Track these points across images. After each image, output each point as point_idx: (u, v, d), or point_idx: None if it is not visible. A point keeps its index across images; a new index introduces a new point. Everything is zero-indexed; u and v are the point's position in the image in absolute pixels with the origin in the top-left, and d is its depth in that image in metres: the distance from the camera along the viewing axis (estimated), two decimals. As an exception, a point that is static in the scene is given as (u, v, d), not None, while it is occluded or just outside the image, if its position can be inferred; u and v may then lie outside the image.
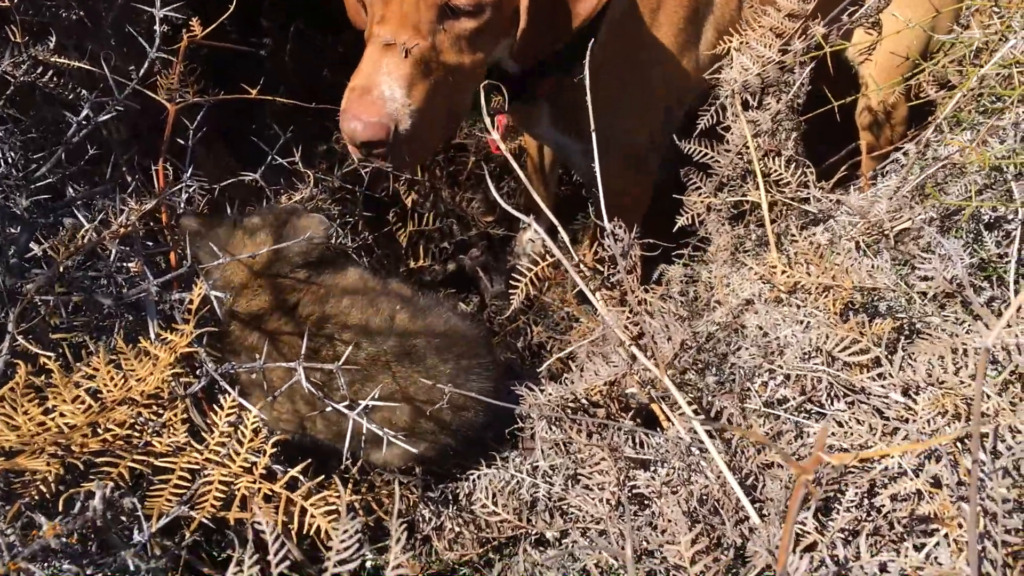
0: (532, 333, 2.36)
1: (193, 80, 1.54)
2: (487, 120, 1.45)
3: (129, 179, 1.75)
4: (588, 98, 1.48)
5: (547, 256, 1.47)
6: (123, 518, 0.98)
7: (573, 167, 2.17)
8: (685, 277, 1.96)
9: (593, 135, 1.50)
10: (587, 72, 1.51)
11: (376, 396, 1.19)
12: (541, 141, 2.12)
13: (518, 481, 1.32)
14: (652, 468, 1.33)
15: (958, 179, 1.71)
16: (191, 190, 1.45)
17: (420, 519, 1.35)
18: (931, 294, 1.51)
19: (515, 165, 1.36)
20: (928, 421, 1.18)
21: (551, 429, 1.37)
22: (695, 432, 1.25)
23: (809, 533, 1.03)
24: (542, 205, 1.48)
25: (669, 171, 2.00)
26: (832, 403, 1.33)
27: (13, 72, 1.57)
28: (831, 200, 1.71)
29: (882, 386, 1.25)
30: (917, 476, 1.07)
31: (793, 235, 1.81)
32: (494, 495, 1.30)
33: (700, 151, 1.86)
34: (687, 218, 1.92)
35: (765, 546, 1.03)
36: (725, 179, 1.88)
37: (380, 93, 1.38)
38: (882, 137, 2.50)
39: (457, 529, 1.32)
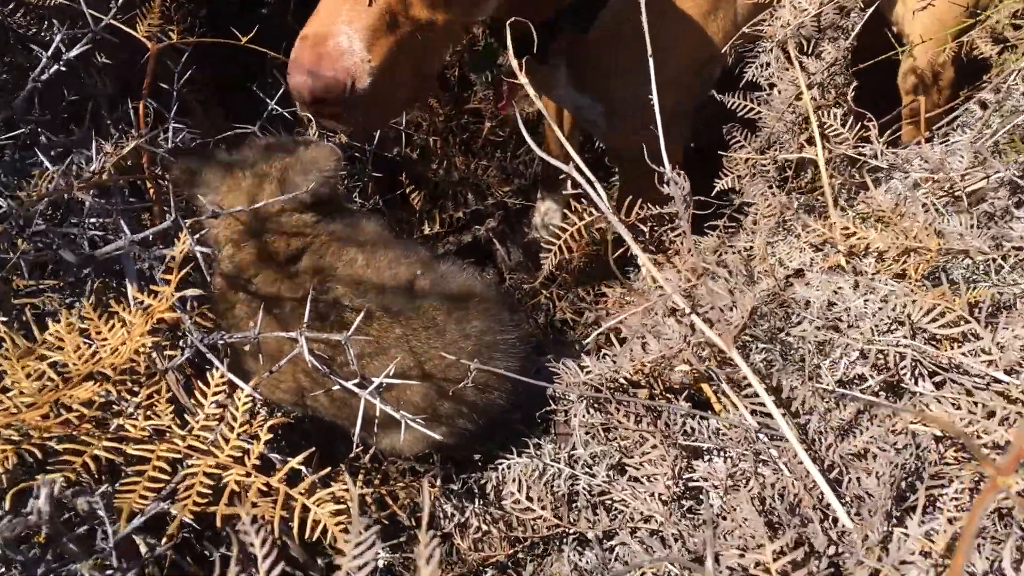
0: (555, 309, 2.18)
1: (178, 19, 1.36)
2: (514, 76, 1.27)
3: (114, 132, 1.57)
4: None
5: (586, 214, 1.29)
6: (83, 519, 0.80)
7: (594, 131, 2.00)
8: (723, 249, 1.78)
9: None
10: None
11: (391, 373, 1.01)
12: (560, 103, 1.94)
13: (555, 472, 1.14)
14: (707, 457, 1.15)
15: (1042, 133, 1.53)
16: (178, 139, 1.26)
17: (441, 515, 1.17)
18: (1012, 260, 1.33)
19: (524, 131, 1.17)
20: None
21: (589, 412, 1.19)
22: (761, 416, 1.08)
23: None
24: (572, 154, 1.28)
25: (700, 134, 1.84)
26: (917, 382, 1.15)
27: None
28: (898, 156, 1.52)
29: (982, 363, 1.07)
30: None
31: (850, 197, 1.63)
32: (527, 488, 1.11)
33: (745, 105, 1.68)
34: (727, 181, 1.74)
35: (861, 555, 0.86)
36: (772, 136, 1.70)
37: (336, 44, 1.18)
38: (928, 103, 2.32)
39: (484, 527, 1.14)
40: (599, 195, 1.15)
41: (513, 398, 1.26)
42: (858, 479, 0.97)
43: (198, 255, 0.98)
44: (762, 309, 1.34)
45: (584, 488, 1.13)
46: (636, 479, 1.10)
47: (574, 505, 1.12)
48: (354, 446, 1.13)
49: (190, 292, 0.98)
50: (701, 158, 1.84)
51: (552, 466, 1.15)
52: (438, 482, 1.23)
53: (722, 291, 1.05)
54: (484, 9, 1.40)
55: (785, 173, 1.77)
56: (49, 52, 1.23)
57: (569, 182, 1.22)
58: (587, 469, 1.15)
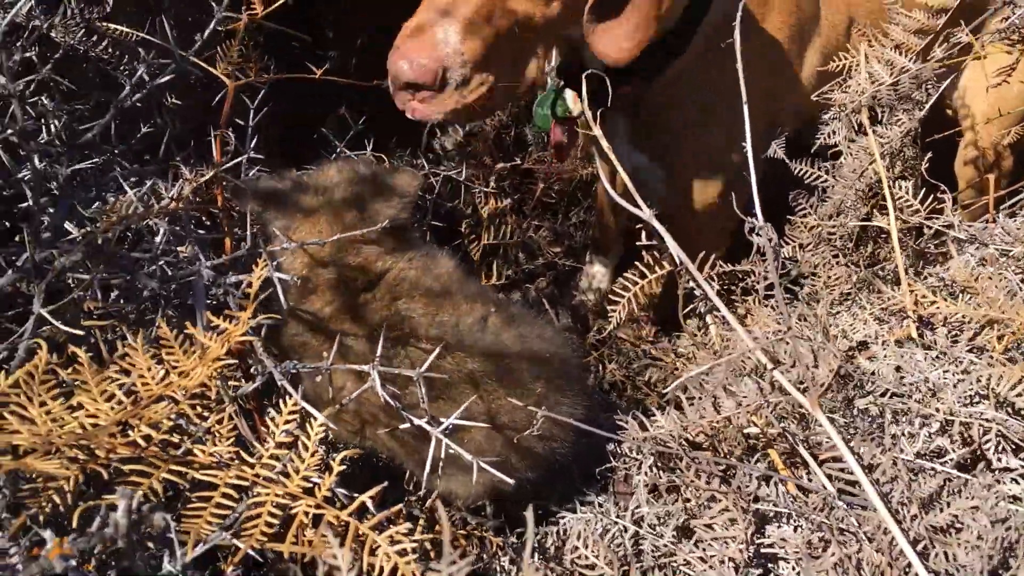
0: (604, 370, 2.15)
1: (255, 57, 1.37)
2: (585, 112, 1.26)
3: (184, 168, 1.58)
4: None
5: (656, 268, 1.27)
6: (150, 543, 0.77)
7: (649, 195, 1.97)
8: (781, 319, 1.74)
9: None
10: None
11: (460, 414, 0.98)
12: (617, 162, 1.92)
13: (619, 530, 1.10)
14: (777, 524, 1.11)
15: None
16: (251, 173, 1.27)
17: (498, 569, 1.13)
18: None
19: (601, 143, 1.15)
20: None
21: (652, 470, 1.15)
22: (839, 483, 1.03)
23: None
24: (643, 206, 1.26)
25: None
26: (1001, 459, 1.11)
27: (63, 38, 1.41)
28: (975, 227, 1.49)
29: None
30: None
31: (917, 272, 1.60)
32: (589, 545, 1.07)
33: (813, 172, 1.66)
34: (789, 248, 1.71)
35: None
36: (840, 204, 1.68)
37: (433, 34, 1.24)
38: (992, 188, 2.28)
39: (544, 583, 1.10)
40: (675, 246, 1.13)
41: (575, 451, 1.22)
42: (945, 554, 0.93)
43: (276, 281, 0.97)
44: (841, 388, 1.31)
45: (649, 549, 1.09)
46: (704, 541, 1.06)
47: (638, 565, 1.08)
48: (421, 487, 1.10)
49: (264, 319, 0.96)
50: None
51: (616, 523, 1.11)
52: (493, 533, 1.19)
53: (804, 350, 1.02)
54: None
55: (848, 243, 1.74)
56: (134, 79, 1.24)
57: (643, 234, 1.21)
58: (652, 529, 1.11)
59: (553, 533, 1.14)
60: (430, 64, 1.23)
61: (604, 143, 1.31)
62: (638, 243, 1.19)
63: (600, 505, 1.19)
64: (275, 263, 1.04)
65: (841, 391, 1.25)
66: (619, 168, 1.30)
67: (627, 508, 1.15)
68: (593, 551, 1.07)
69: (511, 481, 1.01)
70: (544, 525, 1.20)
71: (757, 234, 1.07)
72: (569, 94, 1.54)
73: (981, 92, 2.10)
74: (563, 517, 1.15)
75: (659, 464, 1.14)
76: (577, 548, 1.06)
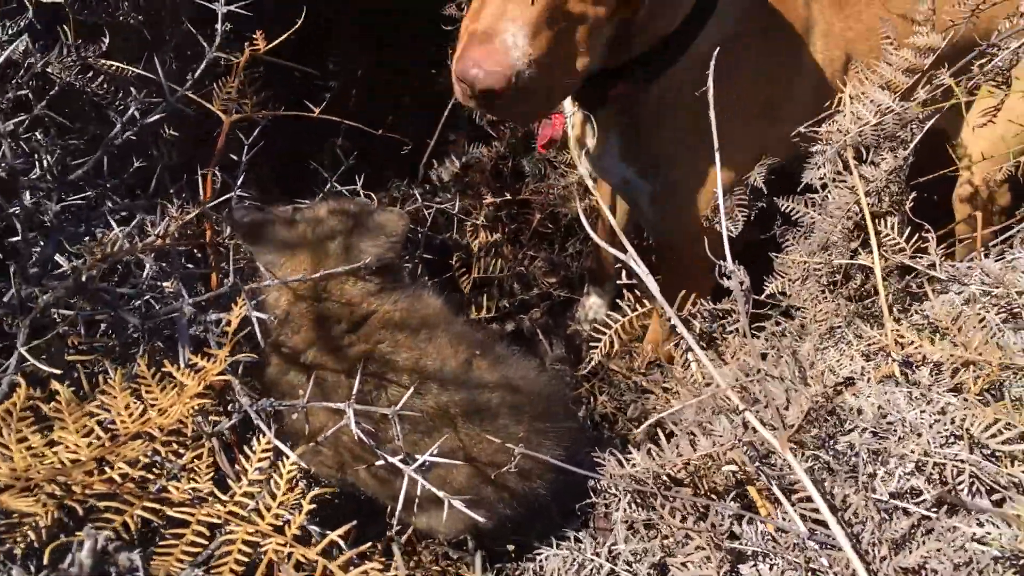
0: (595, 402, 2.16)
1: (253, 92, 1.39)
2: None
3: (175, 202, 1.60)
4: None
5: (638, 305, 1.28)
6: (120, 579, 0.78)
7: (641, 218, 1.98)
8: (773, 353, 1.75)
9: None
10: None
11: (436, 452, 0.99)
12: (607, 178, 1.92)
13: (594, 566, 1.11)
14: (752, 563, 1.12)
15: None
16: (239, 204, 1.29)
17: (475, 604, 1.14)
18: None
19: (583, 218, 1.17)
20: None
21: (631, 507, 1.16)
22: (812, 523, 1.04)
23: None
24: (625, 243, 1.27)
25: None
26: (975, 498, 1.11)
27: (60, 74, 1.44)
28: (956, 268, 1.50)
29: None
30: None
31: (904, 308, 1.61)
32: (565, 580, 1.08)
33: (800, 210, 1.67)
34: (778, 284, 1.72)
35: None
36: (826, 241, 1.69)
37: (503, 40, 1.26)
38: (983, 224, 2.29)
39: (520, 619, 1.11)
40: (654, 285, 1.14)
41: (554, 488, 1.23)
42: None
43: (254, 320, 0.99)
44: (813, 415, 1.31)
45: (624, 586, 1.10)
46: (678, 580, 1.06)
47: (613, 603, 1.09)
48: (393, 524, 1.11)
49: (243, 357, 0.98)
50: (751, 258, 1.82)
51: (592, 560, 1.11)
52: (474, 570, 1.20)
53: (777, 390, 1.03)
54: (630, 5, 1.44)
55: (835, 278, 1.75)
56: (124, 118, 1.26)
57: (624, 272, 1.22)
58: (628, 566, 1.12)
59: (530, 570, 1.15)
60: (503, 71, 1.25)
61: (575, 152, 1.33)
62: (619, 282, 1.21)
63: (578, 541, 1.19)
64: (255, 301, 1.05)
65: (823, 428, 1.26)
66: (586, 176, 1.31)
67: (605, 544, 1.15)
68: (567, 586, 1.07)
69: (483, 520, 1.02)
70: (523, 561, 1.21)
71: (728, 276, 1.08)
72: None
73: (979, 130, 2.11)
74: (540, 553, 1.15)
75: (637, 501, 1.15)
76: (553, 584, 1.07)
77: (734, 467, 1.18)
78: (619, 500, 1.15)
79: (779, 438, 0.98)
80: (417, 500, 1.07)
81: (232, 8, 1.22)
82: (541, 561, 1.15)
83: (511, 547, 1.33)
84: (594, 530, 1.28)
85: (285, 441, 1.03)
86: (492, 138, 2.66)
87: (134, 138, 1.54)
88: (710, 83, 1.23)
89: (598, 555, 1.12)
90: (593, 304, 2.57)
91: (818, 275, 1.73)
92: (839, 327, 1.67)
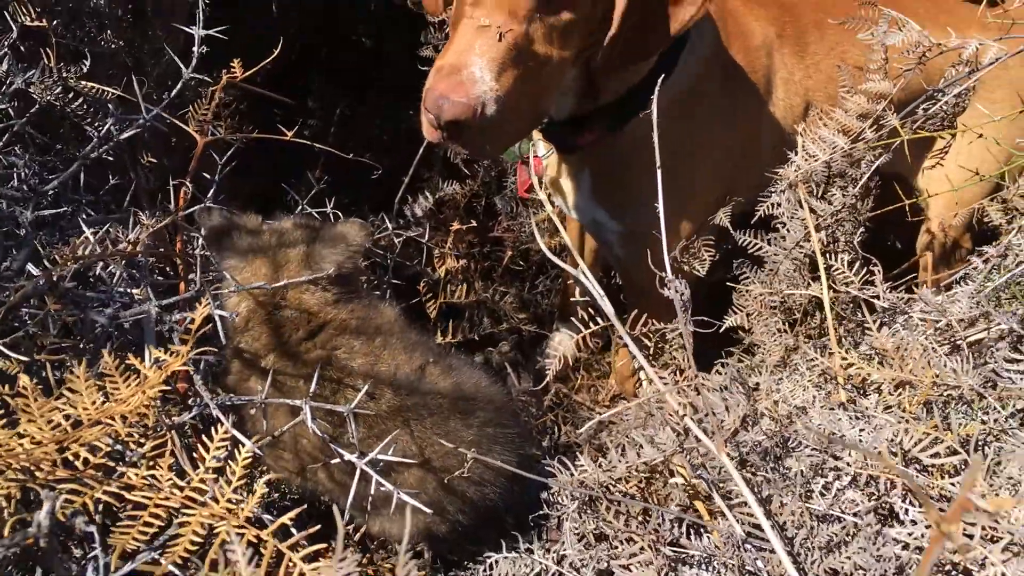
0: (560, 432, 2.20)
1: (228, 115, 1.45)
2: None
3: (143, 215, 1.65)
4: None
5: (591, 323, 1.33)
6: (75, 551, 0.82)
7: (611, 257, 2.03)
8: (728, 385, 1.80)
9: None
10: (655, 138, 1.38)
11: (391, 452, 1.03)
12: (579, 217, 1.98)
13: (541, 569, 1.14)
14: (695, 567, 1.16)
15: (1042, 287, 1.57)
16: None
17: (425, 605, 1.17)
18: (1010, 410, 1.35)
19: (547, 203, 1.22)
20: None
21: (581, 517, 1.20)
22: (752, 527, 1.09)
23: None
24: (579, 259, 1.33)
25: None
26: (907, 512, 1.16)
27: (41, 94, 1.49)
28: (901, 298, 1.57)
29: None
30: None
31: (855, 337, 1.67)
32: (514, 583, 1.12)
33: (755, 243, 1.74)
34: (737, 318, 1.78)
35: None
36: (780, 274, 1.75)
37: (470, 74, 1.32)
38: (943, 269, 2.37)
39: (467, 621, 1.14)
40: (604, 300, 1.20)
41: (508, 497, 1.27)
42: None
43: (217, 319, 1.03)
44: (765, 443, 1.36)
45: (570, 589, 1.13)
46: (622, 582, 1.10)
47: (559, 604, 1.12)
48: (343, 518, 1.14)
49: (204, 352, 1.02)
50: (718, 297, 1.87)
51: (540, 563, 1.15)
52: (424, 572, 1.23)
53: (715, 399, 1.08)
54: (582, 55, 1.50)
55: (794, 316, 1.81)
56: (101, 132, 1.31)
57: (578, 291, 1.27)
58: (575, 570, 1.16)
59: (480, 572, 1.19)
60: (468, 102, 1.30)
61: (542, 193, 1.38)
62: (572, 299, 1.26)
63: (529, 550, 1.23)
64: (219, 302, 1.10)
65: (771, 451, 1.31)
66: (553, 216, 1.37)
67: (553, 551, 1.19)
68: (515, 589, 1.11)
69: (427, 511, 1.06)
70: (474, 564, 1.24)
71: (666, 286, 1.14)
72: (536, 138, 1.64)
73: (935, 177, 2.19)
74: (490, 557, 1.19)
75: (586, 510, 1.19)
76: (501, 585, 1.10)
77: (682, 480, 1.23)
78: (568, 508, 1.20)
79: (715, 441, 1.03)
80: (370, 501, 1.10)
81: (210, 32, 1.28)
82: (491, 565, 1.19)
83: (468, 557, 1.36)
84: (547, 542, 1.31)
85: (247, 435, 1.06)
86: (466, 176, 2.73)
87: (111, 158, 1.60)
88: (655, 135, 1.28)
89: (545, 559, 1.16)
90: (562, 340, 2.61)
91: (773, 308, 1.79)
92: (795, 361, 1.73)
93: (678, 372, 1.44)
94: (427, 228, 2.30)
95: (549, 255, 1.22)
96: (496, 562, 1.18)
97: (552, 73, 1.45)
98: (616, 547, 1.16)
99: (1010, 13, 1.96)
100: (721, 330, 1.70)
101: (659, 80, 1.43)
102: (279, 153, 2.10)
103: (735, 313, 1.76)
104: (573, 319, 2.54)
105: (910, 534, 1.02)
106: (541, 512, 1.27)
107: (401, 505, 1.06)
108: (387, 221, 2.36)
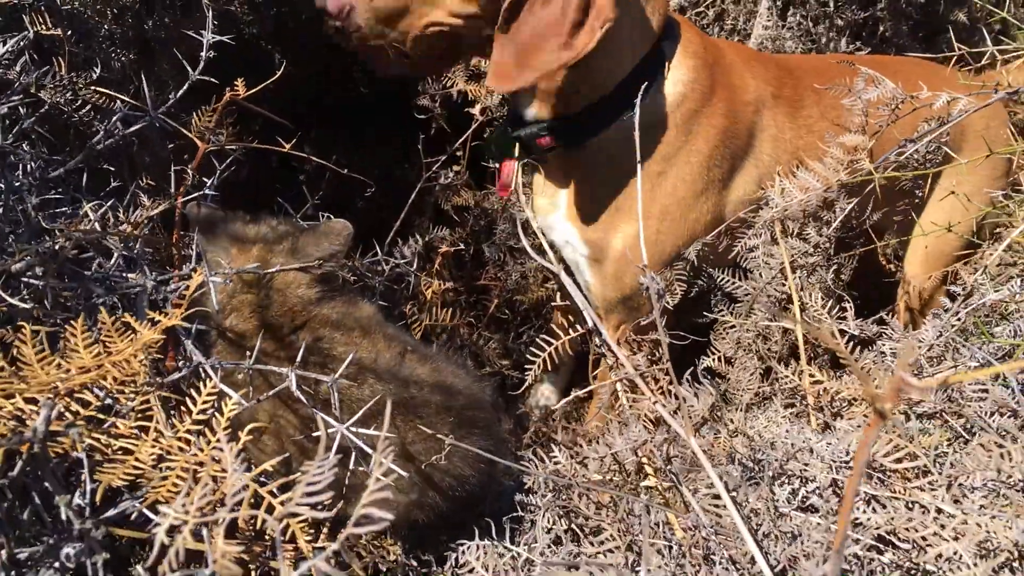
0: (538, 468, 2.22)
1: (230, 123, 1.51)
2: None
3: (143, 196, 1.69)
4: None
5: (571, 331, 1.38)
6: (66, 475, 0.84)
7: (582, 282, 2.02)
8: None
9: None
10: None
11: (371, 428, 1.06)
12: (553, 236, 1.99)
13: (514, 554, 1.17)
14: (662, 555, 1.18)
15: (1005, 324, 1.63)
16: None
17: (398, 584, 1.19)
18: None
19: (530, 214, 1.28)
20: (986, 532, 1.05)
21: (552, 510, 1.23)
22: (717, 517, 1.12)
23: None
24: (553, 259, 1.38)
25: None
26: (873, 512, 1.19)
27: (51, 97, 1.55)
28: (870, 330, 1.62)
29: (933, 495, 1.12)
30: None
31: (834, 377, 1.72)
32: (488, 567, 1.14)
33: (731, 281, 1.80)
34: (713, 359, 1.83)
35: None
36: (756, 311, 1.81)
37: None
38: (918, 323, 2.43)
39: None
40: (582, 300, 1.24)
41: (485, 484, 1.30)
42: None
43: (210, 285, 1.07)
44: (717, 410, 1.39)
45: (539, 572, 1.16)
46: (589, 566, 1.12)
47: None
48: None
49: (195, 315, 1.06)
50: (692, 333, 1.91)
51: (510, 550, 1.18)
52: (399, 555, 1.25)
53: (687, 393, 1.13)
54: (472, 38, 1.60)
55: (771, 356, 1.86)
56: (107, 125, 1.37)
57: (558, 295, 1.33)
58: (544, 556, 1.18)
59: (452, 558, 1.21)
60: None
61: (522, 197, 1.44)
62: (553, 304, 1.30)
63: (503, 536, 1.26)
64: (213, 273, 1.14)
65: (747, 473, 1.35)
66: (531, 216, 1.43)
67: (524, 541, 1.22)
68: (485, 571, 1.13)
69: (404, 475, 1.08)
70: (448, 552, 1.26)
71: (643, 280, 1.19)
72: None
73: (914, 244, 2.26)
74: (462, 544, 1.21)
75: (558, 505, 1.22)
76: (474, 568, 1.13)
77: (654, 480, 1.26)
78: (541, 504, 1.23)
79: (684, 426, 1.07)
80: (347, 485, 1.13)
81: (220, 38, 1.35)
82: (463, 550, 1.21)
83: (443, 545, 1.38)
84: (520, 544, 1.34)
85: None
86: (456, 223, 2.79)
87: (113, 168, 1.66)
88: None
89: (516, 544, 1.19)
90: (545, 391, 2.63)
91: (747, 347, 1.84)
92: (770, 394, 1.77)
93: (653, 380, 1.49)
94: (415, 264, 2.35)
95: (533, 255, 1.28)
96: (468, 548, 1.20)
97: (429, 19, 1.55)
98: (587, 544, 1.19)
99: (989, 76, 2.06)
100: (700, 369, 1.74)
101: (637, 102, 1.49)
102: (279, 187, 2.15)
103: (712, 353, 1.81)
104: (558, 370, 2.58)
105: (868, 518, 1.05)
106: (514, 515, 1.30)
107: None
108: (378, 249, 2.42)
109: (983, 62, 2.21)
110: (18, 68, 1.49)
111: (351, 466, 1.10)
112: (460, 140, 2.69)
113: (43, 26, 1.61)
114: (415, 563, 1.27)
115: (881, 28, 3.09)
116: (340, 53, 2.98)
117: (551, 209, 1.80)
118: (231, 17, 2.33)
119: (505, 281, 2.79)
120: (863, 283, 2.15)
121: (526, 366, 1.49)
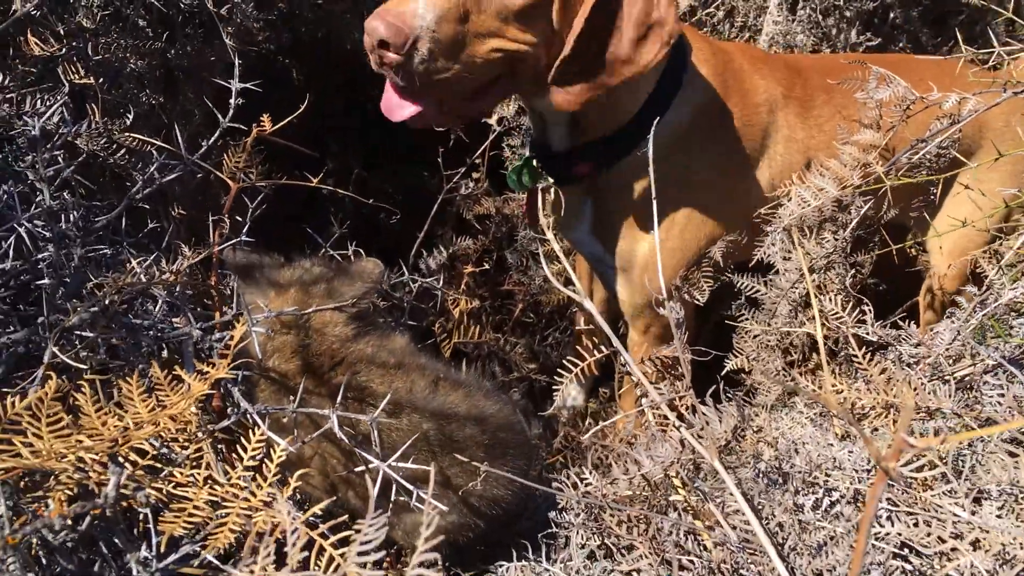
0: (570, 474, 2.27)
1: (257, 162, 1.57)
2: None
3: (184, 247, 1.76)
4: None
5: (598, 350, 1.43)
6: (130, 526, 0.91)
7: (609, 292, 2.07)
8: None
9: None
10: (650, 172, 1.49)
11: (410, 461, 1.13)
12: (582, 251, 2.04)
13: (550, 575, 1.22)
14: (689, 572, 1.23)
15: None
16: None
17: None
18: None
19: (552, 238, 1.33)
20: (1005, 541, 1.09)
21: (586, 528, 1.28)
22: (745, 532, 1.16)
23: None
24: (585, 295, 1.43)
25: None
26: (893, 524, 1.24)
27: (87, 145, 1.62)
28: (889, 334, 1.66)
29: (952, 502, 1.17)
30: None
31: (849, 377, 1.75)
32: (524, 587, 1.20)
33: (751, 286, 1.84)
34: (737, 361, 1.87)
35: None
36: (777, 315, 1.85)
37: (412, 7, 1.38)
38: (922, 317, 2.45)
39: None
40: (607, 329, 1.29)
41: (521, 501, 1.35)
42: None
43: (253, 335, 1.13)
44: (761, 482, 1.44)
45: (576, 593, 1.21)
46: (624, 586, 1.18)
47: (565, 608, 1.20)
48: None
49: (240, 365, 1.12)
50: (718, 336, 1.96)
51: (547, 571, 1.23)
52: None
53: (711, 414, 1.17)
54: (533, 57, 1.53)
55: (791, 357, 1.90)
56: (145, 176, 1.44)
57: (582, 318, 1.37)
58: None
59: (492, 579, 1.27)
60: (402, 27, 1.36)
61: (544, 221, 1.48)
62: (578, 328, 1.35)
63: (539, 560, 1.31)
64: (255, 320, 1.20)
65: (770, 481, 1.40)
66: (554, 243, 1.46)
67: (560, 560, 1.27)
68: (525, 593, 1.19)
69: (445, 509, 1.14)
70: (487, 566, 1.32)
71: (662, 305, 1.24)
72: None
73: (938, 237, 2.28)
74: (501, 565, 1.27)
75: (591, 522, 1.27)
76: (511, 589, 1.18)
77: (681, 496, 1.31)
78: (575, 522, 1.28)
79: (709, 449, 1.12)
80: (392, 507, 1.19)
81: (246, 86, 1.40)
82: (502, 572, 1.27)
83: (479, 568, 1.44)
84: (555, 561, 1.39)
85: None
86: (478, 232, 2.85)
87: (147, 207, 1.72)
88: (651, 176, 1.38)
89: (552, 564, 1.24)
90: (572, 391, 2.69)
91: (770, 347, 1.88)
92: (792, 399, 1.82)
93: (678, 398, 1.53)
94: (441, 279, 2.41)
95: (554, 281, 1.32)
96: (506, 569, 1.26)
97: (494, 49, 1.47)
98: (620, 559, 1.24)
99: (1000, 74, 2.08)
100: (723, 373, 1.79)
101: (654, 122, 1.52)
102: (301, 214, 2.20)
103: (736, 355, 1.86)
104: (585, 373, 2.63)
105: (887, 533, 1.10)
106: (549, 532, 1.35)
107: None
108: (404, 268, 2.48)
109: (991, 63, 2.23)
110: (55, 119, 1.55)
111: (393, 494, 1.16)
112: (479, 150, 2.74)
113: (76, 75, 1.67)
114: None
115: (892, 15, 3.11)
116: (355, 66, 3.05)
117: (576, 224, 1.85)
118: (247, 33, 2.36)
119: (528, 285, 2.85)
120: (889, 271, 2.18)
121: (555, 371, 1.54)
